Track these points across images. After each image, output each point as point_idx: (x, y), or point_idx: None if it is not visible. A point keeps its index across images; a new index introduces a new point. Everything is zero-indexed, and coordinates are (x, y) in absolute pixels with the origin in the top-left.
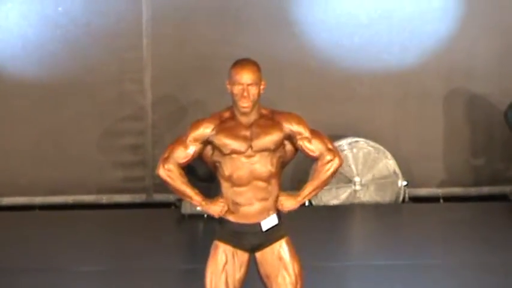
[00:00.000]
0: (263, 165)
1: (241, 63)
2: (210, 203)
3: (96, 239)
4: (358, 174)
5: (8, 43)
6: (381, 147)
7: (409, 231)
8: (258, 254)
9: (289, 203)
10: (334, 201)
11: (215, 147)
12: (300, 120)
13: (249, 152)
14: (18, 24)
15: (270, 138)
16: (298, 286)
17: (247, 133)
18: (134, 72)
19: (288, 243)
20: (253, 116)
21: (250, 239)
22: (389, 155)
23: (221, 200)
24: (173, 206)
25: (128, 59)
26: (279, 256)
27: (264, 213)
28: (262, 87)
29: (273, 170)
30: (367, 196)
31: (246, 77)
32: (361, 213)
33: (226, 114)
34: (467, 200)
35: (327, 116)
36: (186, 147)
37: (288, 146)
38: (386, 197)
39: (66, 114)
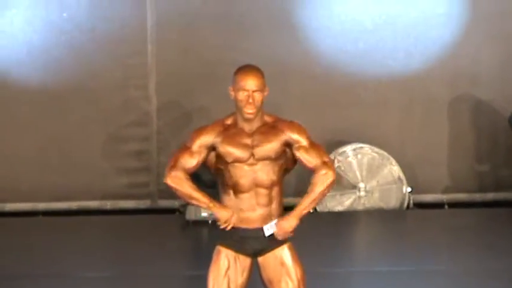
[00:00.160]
0: (265, 173)
1: (246, 69)
2: (218, 207)
3: (100, 245)
4: (362, 181)
5: (12, 49)
6: (386, 153)
7: (413, 237)
8: (260, 259)
9: (288, 224)
10: (339, 208)
11: (218, 155)
12: (300, 130)
13: (251, 160)
14: (23, 30)
15: (271, 147)
16: None
17: (250, 141)
18: (139, 78)
19: (290, 248)
20: (255, 124)
21: (253, 244)
22: (393, 161)
23: (229, 208)
24: (177, 212)
25: (133, 65)
26: (282, 261)
27: (267, 218)
28: (265, 93)
29: (274, 178)
30: (371, 202)
31: (251, 83)
32: (366, 220)
33: (229, 121)
34: (472, 206)
35: (332, 121)
36: (191, 155)
37: (289, 154)
38: (391, 203)
39: (71, 120)
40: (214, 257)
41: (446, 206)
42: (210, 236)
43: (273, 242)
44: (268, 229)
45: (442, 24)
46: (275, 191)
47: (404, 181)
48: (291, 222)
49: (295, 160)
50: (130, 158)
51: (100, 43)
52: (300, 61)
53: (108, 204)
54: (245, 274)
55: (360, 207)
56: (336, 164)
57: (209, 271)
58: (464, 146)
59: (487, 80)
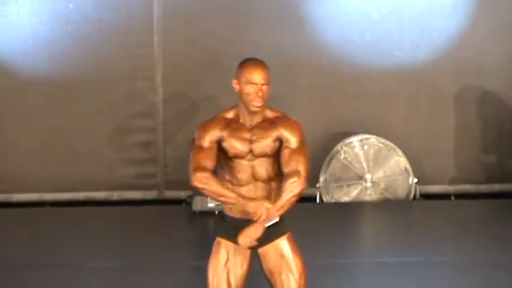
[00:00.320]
0: (263, 168)
1: (253, 62)
2: (247, 201)
3: (107, 235)
4: (369, 172)
5: (19, 40)
6: (392, 144)
7: (420, 228)
8: (260, 251)
9: (253, 232)
10: (345, 198)
11: (220, 148)
12: (295, 130)
13: (250, 156)
14: (29, 21)
15: (267, 143)
16: (302, 283)
17: (249, 136)
18: (145, 69)
19: (289, 240)
20: (256, 119)
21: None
22: (400, 152)
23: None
24: (184, 203)
25: (139, 56)
26: (281, 253)
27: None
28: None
29: (272, 174)
30: (377, 193)
31: (260, 76)
32: (372, 211)
33: (230, 115)
34: (478, 197)
35: (338, 112)
36: (206, 152)
37: None
38: (397, 194)
39: (77, 111)
40: (214, 248)
41: (452, 197)
42: (216, 226)
43: (272, 234)
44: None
45: (449, 15)
46: (274, 184)
47: (411, 172)
48: (257, 230)
49: None
50: (137, 149)
51: (106, 34)
52: (307, 52)
53: (115, 195)
54: (245, 266)
55: (367, 198)
56: (342, 155)
57: (209, 263)
58: (470, 137)
59: (494, 71)
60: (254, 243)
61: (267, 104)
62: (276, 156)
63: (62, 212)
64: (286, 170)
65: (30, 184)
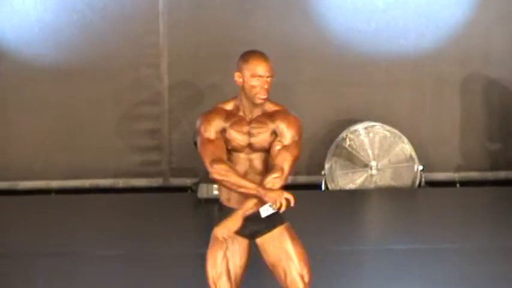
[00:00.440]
0: (261, 162)
1: (258, 55)
2: (267, 190)
3: (112, 223)
4: (374, 159)
5: (24, 28)
6: (397, 132)
7: (425, 215)
8: (259, 242)
9: (232, 224)
10: (350, 186)
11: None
12: (292, 127)
13: (248, 150)
14: (35, 9)
15: (265, 137)
16: (306, 270)
17: (248, 129)
18: (151, 57)
19: (287, 229)
20: (256, 112)
21: (250, 226)
22: (405, 140)
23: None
24: (189, 190)
25: (145, 44)
26: (280, 244)
27: (263, 201)
28: None
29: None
30: (383, 181)
31: (266, 69)
32: (377, 198)
33: (229, 107)
34: (484, 185)
35: (344, 100)
36: (215, 143)
37: None
38: (403, 182)
39: (83, 99)
40: (212, 238)
41: (458, 185)
42: (221, 214)
43: (270, 224)
44: (265, 211)
45: (454, 3)
46: None
47: (416, 159)
48: (235, 222)
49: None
50: (143, 137)
51: (112, 22)
52: (312, 40)
53: (121, 183)
54: (244, 255)
55: (372, 186)
56: (348, 143)
57: (207, 253)
58: (475, 124)
59: (499, 59)
60: (231, 235)
61: (269, 95)
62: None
63: (67, 199)
64: (271, 163)
65: (36, 172)
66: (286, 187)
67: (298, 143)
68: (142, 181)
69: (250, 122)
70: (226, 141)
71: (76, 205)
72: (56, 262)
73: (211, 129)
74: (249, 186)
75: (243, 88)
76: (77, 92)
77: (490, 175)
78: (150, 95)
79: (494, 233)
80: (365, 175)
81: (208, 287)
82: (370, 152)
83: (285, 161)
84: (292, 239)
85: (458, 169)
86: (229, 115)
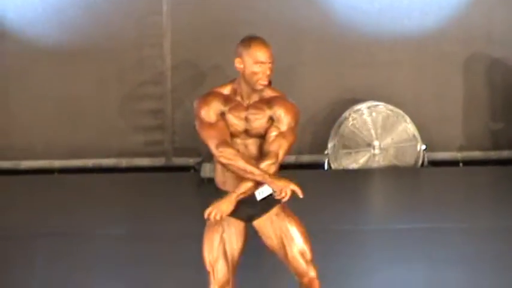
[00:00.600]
0: (257, 148)
1: (260, 41)
2: (274, 178)
3: (115, 202)
4: (377, 138)
5: (28, 8)
6: (400, 111)
7: (428, 195)
8: (256, 224)
9: (225, 206)
10: (353, 165)
11: None
12: (289, 113)
13: (244, 135)
14: None
15: (261, 123)
16: (307, 248)
17: (245, 115)
18: (154, 37)
19: (283, 208)
20: (254, 97)
21: (246, 209)
22: (408, 119)
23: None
24: (192, 170)
25: (148, 24)
26: (278, 225)
27: (259, 184)
28: None
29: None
30: (386, 160)
31: (268, 55)
32: (380, 177)
33: (226, 91)
34: (487, 164)
35: (347, 80)
36: (217, 126)
37: None
38: (406, 161)
39: (86, 79)
40: (208, 222)
41: (460, 164)
42: (217, 196)
43: (266, 206)
44: (260, 193)
45: None
46: None
47: (419, 139)
48: (229, 205)
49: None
50: (146, 117)
51: (115, 2)
52: (315, 20)
53: (123, 162)
54: (240, 238)
55: (375, 165)
56: (351, 122)
57: (204, 236)
58: (478, 103)
59: (502, 38)
60: (224, 217)
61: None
62: None
63: (70, 179)
64: (266, 149)
65: (38, 151)
66: (288, 166)
67: (294, 129)
68: (145, 161)
69: (247, 108)
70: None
71: (79, 185)
72: (58, 242)
73: (211, 112)
74: (256, 173)
75: (243, 74)
76: (80, 72)
77: (492, 154)
78: (153, 75)
79: (497, 212)
80: (368, 154)
81: (206, 270)
82: (373, 131)
83: (280, 148)
84: (290, 217)
85: (461, 148)
86: (226, 99)
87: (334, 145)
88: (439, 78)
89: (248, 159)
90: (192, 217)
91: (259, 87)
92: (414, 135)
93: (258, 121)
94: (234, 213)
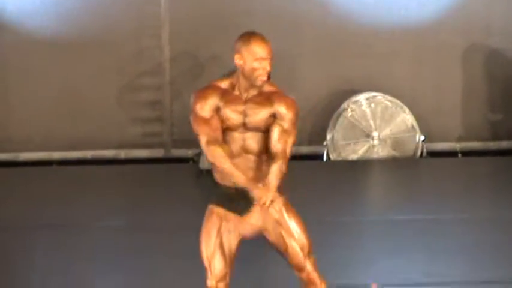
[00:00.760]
0: (255, 141)
1: (259, 37)
2: (255, 186)
3: (114, 194)
4: (376, 129)
5: (26, 0)
6: (399, 102)
7: (427, 186)
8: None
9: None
10: (352, 156)
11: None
12: (291, 109)
13: (242, 129)
14: None
15: (260, 117)
16: (306, 244)
17: (243, 108)
18: (152, 28)
19: (284, 204)
20: (252, 92)
21: (244, 203)
22: (407, 110)
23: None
24: (191, 161)
25: (146, 15)
26: (277, 220)
27: (257, 180)
28: None
29: (263, 147)
30: (385, 151)
31: (267, 51)
32: (379, 168)
33: (224, 85)
34: (486, 155)
35: (345, 71)
36: (210, 123)
37: None
38: (405, 152)
39: (84, 70)
40: (206, 216)
41: (459, 155)
42: (217, 190)
43: None
44: None
45: None
46: (265, 157)
47: (418, 130)
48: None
49: None
50: (144, 108)
51: None
52: (313, 11)
53: (122, 154)
54: (238, 232)
55: (374, 156)
56: (349, 113)
57: (202, 230)
58: (477, 94)
59: (500, 29)
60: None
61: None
62: (268, 130)
63: (69, 170)
64: (274, 148)
65: (37, 143)
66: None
67: (296, 125)
68: (144, 152)
69: (246, 102)
70: (221, 120)
71: (77, 176)
72: (57, 233)
73: (207, 108)
74: (240, 180)
75: (242, 70)
76: (79, 64)
77: (491, 145)
78: (152, 66)
79: (496, 203)
80: (367, 145)
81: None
82: (371, 122)
83: (287, 145)
84: (289, 213)
85: (460, 139)
86: (224, 93)
87: (333, 136)
88: (437, 69)
89: (235, 159)
90: (191, 208)
91: (259, 83)
92: (413, 126)
93: (257, 115)
94: (233, 208)
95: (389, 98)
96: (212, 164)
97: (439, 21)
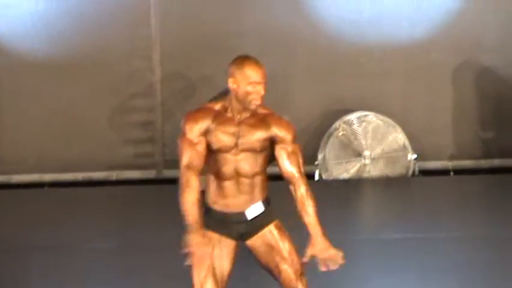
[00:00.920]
0: (248, 163)
1: (253, 61)
2: (193, 231)
3: (106, 215)
4: (367, 148)
5: (18, 21)
6: (391, 121)
7: (419, 204)
8: (249, 243)
9: (323, 245)
10: (344, 175)
11: (206, 141)
12: (290, 130)
13: (235, 150)
14: (27, 2)
15: (256, 138)
16: (298, 267)
17: (236, 130)
18: (143, 50)
19: (277, 227)
20: (245, 114)
21: (237, 228)
22: (399, 129)
23: (204, 237)
24: None
25: (137, 36)
26: (270, 244)
27: (250, 203)
28: None
29: (257, 169)
30: (377, 170)
31: (262, 75)
32: (371, 187)
33: (217, 108)
34: (478, 173)
35: (337, 90)
36: (196, 147)
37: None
38: (396, 171)
39: (76, 91)
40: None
41: (451, 173)
42: (208, 217)
43: (257, 225)
44: (251, 212)
45: None
46: (258, 179)
47: (410, 148)
48: (323, 243)
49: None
50: (136, 129)
51: (104, 14)
52: (304, 31)
53: (114, 175)
54: (230, 257)
55: (366, 175)
56: (341, 132)
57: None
58: (469, 112)
59: (491, 47)
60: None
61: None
62: (262, 152)
63: (61, 192)
64: (288, 171)
65: (29, 165)
66: (278, 177)
67: (298, 144)
68: (135, 173)
69: (239, 124)
70: (211, 142)
71: (69, 198)
72: (49, 255)
73: (196, 131)
74: (187, 217)
75: (236, 93)
76: (70, 85)
77: (483, 163)
78: (143, 87)
79: (488, 221)
80: (358, 164)
81: None
82: (363, 141)
83: (297, 164)
84: (282, 237)
85: (451, 157)
86: (216, 115)
87: (325, 155)
88: (429, 87)
89: (195, 201)
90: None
91: (253, 107)
92: (405, 145)
93: (252, 136)
94: (225, 233)
95: (381, 117)
96: (180, 188)
97: (429, 39)
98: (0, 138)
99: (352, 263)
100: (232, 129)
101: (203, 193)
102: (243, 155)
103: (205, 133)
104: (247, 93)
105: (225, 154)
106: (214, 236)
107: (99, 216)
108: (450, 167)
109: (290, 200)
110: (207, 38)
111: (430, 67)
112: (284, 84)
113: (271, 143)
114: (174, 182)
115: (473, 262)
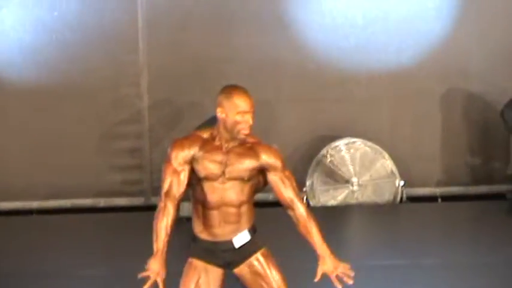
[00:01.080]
0: (235, 192)
1: (241, 91)
2: (156, 259)
3: (94, 243)
4: (355, 175)
5: (4, 49)
6: (378, 148)
7: (407, 231)
8: (236, 271)
9: (331, 263)
10: (332, 202)
11: (192, 169)
12: (278, 157)
13: (222, 179)
14: (14, 29)
15: (244, 167)
16: None
17: (223, 159)
18: (131, 76)
19: (264, 255)
20: (233, 143)
21: (224, 256)
22: (386, 155)
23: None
24: None
25: (124, 63)
26: (257, 272)
27: (236, 231)
28: None
29: (243, 198)
30: (364, 197)
31: (249, 105)
32: (359, 214)
33: (205, 136)
34: (466, 199)
35: (324, 116)
36: (178, 174)
37: (262, 177)
38: (384, 197)
39: (63, 119)
40: (186, 269)
41: (439, 200)
42: (195, 245)
43: (245, 253)
44: (238, 241)
45: (433, 18)
46: (244, 208)
47: (397, 175)
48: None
49: (266, 181)
50: (123, 156)
51: (91, 41)
52: (292, 57)
53: (102, 202)
54: (216, 285)
55: (353, 202)
56: (329, 159)
57: (180, 283)
58: (456, 139)
59: (479, 74)
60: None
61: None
62: (250, 181)
63: (48, 219)
64: (285, 196)
65: (16, 192)
66: (266, 204)
67: (288, 169)
68: (123, 200)
69: (226, 153)
70: (198, 170)
71: (57, 225)
72: (37, 283)
73: (180, 159)
74: (155, 242)
75: (224, 122)
76: (58, 112)
77: (471, 189)
78: (131, 114)
79: (476, 248)
80: (346, 191)
81: None
82: (351, 168)
83: (292, 188)
84: (269, 265)
85: (439, 184)
86: (204, 143)
87: (312, 182)
88: (416, 114)
89: (169, 229)
90: (172, 256)
91: (242, 136)
92: (392, 171)
93: (240, 164)
94: (212, 261)
95: (368, 143)
96: (156, 212)
97: (417, 66)
98: None
99: None
100: (219, 157)
101: (189, 220)
102: (230, 184)
103: (191, 161)
104: (236, 123)
105: (211, 182)
106: (201, 264)
107: (87, 244)
108: (438, 194)
109: (276, 226)
110: (194, 64)
111: (417, 93)
112: (271, 109)
113: (260, 172)
114: None
115: None
